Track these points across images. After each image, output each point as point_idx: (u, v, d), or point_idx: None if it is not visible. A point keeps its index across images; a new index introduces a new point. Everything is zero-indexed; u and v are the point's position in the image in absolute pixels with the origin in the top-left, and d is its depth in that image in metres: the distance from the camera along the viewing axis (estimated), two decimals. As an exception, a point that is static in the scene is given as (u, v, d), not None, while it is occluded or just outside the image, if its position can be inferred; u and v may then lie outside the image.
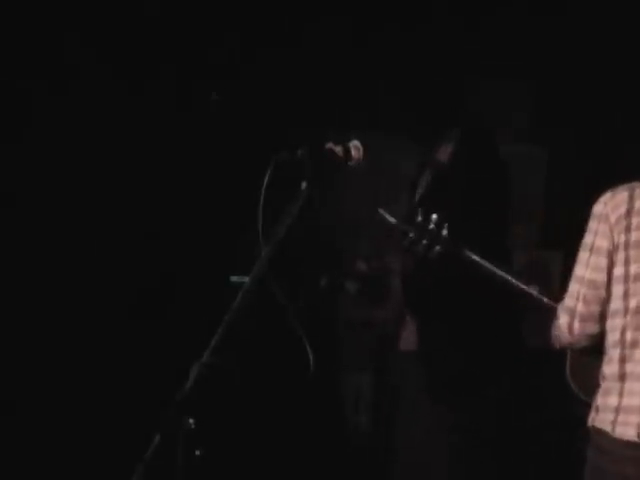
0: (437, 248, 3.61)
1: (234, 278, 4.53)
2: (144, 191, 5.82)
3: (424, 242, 3.60)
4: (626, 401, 3.14)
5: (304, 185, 3.22)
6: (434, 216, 3.62)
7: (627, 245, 3.17)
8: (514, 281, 3.61)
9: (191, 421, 3.06)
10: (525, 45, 5.80)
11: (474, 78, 6.03)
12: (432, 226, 3.62)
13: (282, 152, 3.22)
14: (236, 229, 4.82)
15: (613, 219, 3.20)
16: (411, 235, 3.62)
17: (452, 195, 4.26)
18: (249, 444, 5.48)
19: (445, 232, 3.60)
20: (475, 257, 3.63)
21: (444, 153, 4.45)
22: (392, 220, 3.66)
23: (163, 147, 5.84)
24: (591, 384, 3.30)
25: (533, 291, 3.59)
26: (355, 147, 3.38)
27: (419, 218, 3.62)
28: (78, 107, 5.77)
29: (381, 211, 3.67)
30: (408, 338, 4.47)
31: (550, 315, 3.43)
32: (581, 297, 3.26)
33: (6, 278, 5.63)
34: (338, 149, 3.34)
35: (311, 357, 4.24)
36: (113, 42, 5.79)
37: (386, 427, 5.51)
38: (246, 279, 3.28)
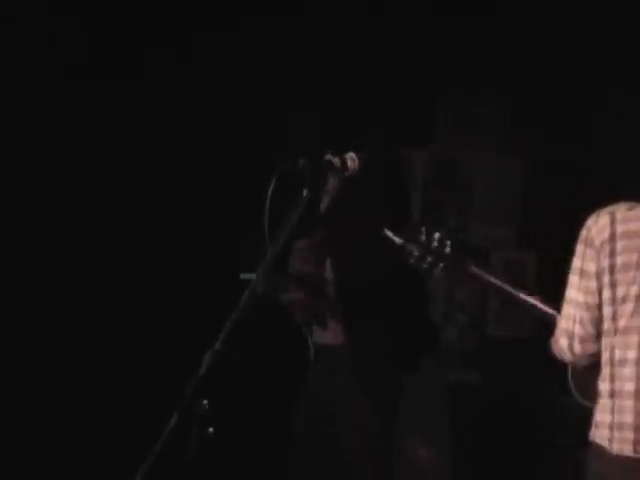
0: (441, 265, 3.50)
1: (243, 275, 4.48)
2: (151, 189, 5.62)
3: (428, 259, 3.50)
4: (618, 418, 3.05)
5: (305, 192, 3.19)
6: (437, 235, 3.51)
7: (612, 269, 3.07)
8: (515, 292, 3.52)
9: (205, 402, 3.06)
10: (502, 62, 5.69)
11: (455, 91, 5.95)
12: (435, 244, 3.51)
13: (285, 162, 3.22)
14: (242, 228, 4.73)
15: (598, 243, 3.10)
16: (416, 254, 3.51)
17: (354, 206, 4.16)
18: (254, 423, 5.41)
19: (448, 249, 3.49)
20: (477, 270, 3.53)
21: (352, 163, 4.42)
22: (397, 240, 3.57)
23: (173, 147, 5.67)
24: (592, 389, 3.21)
25: (536, 301, 3.49)
26: (351, 159, 3.39)
27: (423, 237, 3.51)
28: (82, 104, 5.54)
29: (387, 232, 3.59)
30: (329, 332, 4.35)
31: (551, 325, 3.34)
32: (578, 319, 3.17)
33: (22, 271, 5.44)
34: (336, 160, 3.34)
35: (312, 348, 4.24)
36: (113, 43, 5.57)
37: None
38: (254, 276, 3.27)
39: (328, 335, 4.31)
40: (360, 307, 4.21)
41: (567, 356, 3.21)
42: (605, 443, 3.06)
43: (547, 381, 5.20)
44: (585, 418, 3.31)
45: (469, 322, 6.09)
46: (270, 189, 3.13)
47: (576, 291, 3.16)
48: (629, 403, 3.02)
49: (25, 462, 5.27)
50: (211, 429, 3.06)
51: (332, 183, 4.09)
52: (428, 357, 4.57)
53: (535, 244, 5.92)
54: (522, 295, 3.50)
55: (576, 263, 3.15)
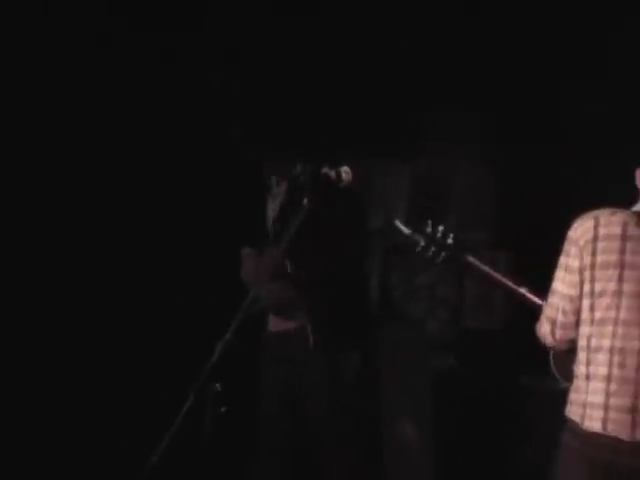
0: (443, 254, 3.67)
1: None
2: (152, 186, 5.49)
3: (432, 249, 3.67)
4: (590, 398, 3.15)
5: (305, 201, 3.39)
6: (441, 227, 3.68)
7: (593, 266, 3.17)
8: (505, 282, 3.68)
9: (217, 385, 3.24)
10: (481, 80, 5.73)
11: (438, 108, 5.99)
12: (439, 235, 3.68)
13: (290, 175, 3.35)
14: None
15: (582, 243, 3.21)
16: (422, 244, 3.68)
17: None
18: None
19: (450, 241, 3.66)
20: (473, 260, 3.70)
21: (298, 170, 4.48)
22: (406, 231, 3.73)
23: (175, 147, 5.52)
24: (570, 371, 3.32)
25: (523, 291, 3.64)
26: (345, 172, 3.56)
27: (429, 229, 3.68)
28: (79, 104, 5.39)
29: (397, 222, 3.75)
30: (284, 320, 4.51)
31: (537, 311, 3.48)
32: (560, 309, 3.28)
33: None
34: (332, 173, 3.51)
35: (311, 339, 4.35)
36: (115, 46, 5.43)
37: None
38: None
39: (283, 322, 4.49)
40: (315, 298, 4.37)
41: (549, 340, 3.36)
42: (578, 419, 3.19)
43: (517, 366, 5.46)
44: (553, 398, 3.51)
45: (449, 316, 6.15)
46: (280, 200, 3.24)
47: (561, 284, 3.29)
48: (600, 385, 3.13)
49: (42, 442, 5.25)
50: (223, 409, 3.24)
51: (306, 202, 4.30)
52: (413, 347, 4.68)
53: (507, 245, 5.92)
54: (511, 284, 3.67)
55: (562, 259, 3.29)
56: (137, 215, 5.48)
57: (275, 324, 4.55)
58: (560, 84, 5.63)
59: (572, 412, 3.22)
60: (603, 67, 5.48)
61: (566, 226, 3.33)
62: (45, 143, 5.35)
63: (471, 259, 3.68)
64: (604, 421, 3.10)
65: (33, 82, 5.31)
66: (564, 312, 3.27)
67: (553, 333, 3.32)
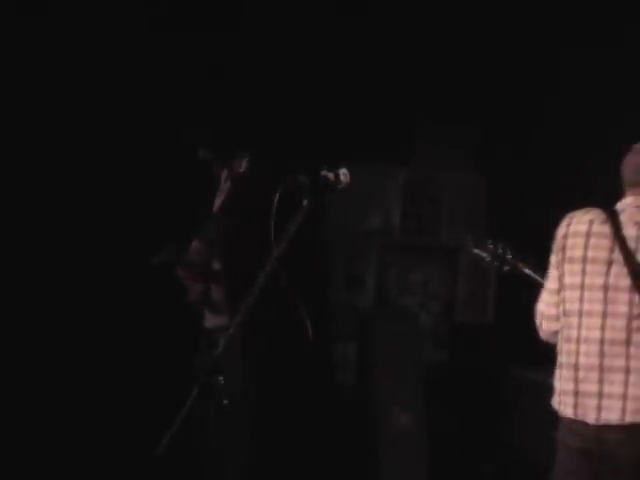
0: (505, 268, 4.05)
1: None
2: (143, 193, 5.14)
3: (495, 263, 4.06)
4: (563, 386, 3.11)
5: (305, 202, 3.21)
6: (501, 244, 4.04)
7: (564, 261, 3.15)
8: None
9: (220, 378, 3.06)
10: (469, 96, 5.73)
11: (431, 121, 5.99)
12: (500, 251, 4.05)
13: (289, 177, 3.25)
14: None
15: (558, 240, 3.18)
16: (488, 259, 4.07)
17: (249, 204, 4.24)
18: (263, 396, 5.38)
19: (509, 256, 4.03)
20: (529, 272, 3.97)
21: (239, 166, 4.41)
22: (473, 247, 4.11)
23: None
24: None
25: None
26: (343, 174, 3.35)
27: (491, 247, 4.05)
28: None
29: (469, 238, 4.15)
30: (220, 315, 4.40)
31: None
32: (544, 302, 3.25)
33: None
34: (330, 175, 3.29)
35: (310, 329, 4.28)
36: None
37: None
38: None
39: (219, 318, 4.37)
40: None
41: (540, 332, 3.29)
42: (556, 406, 3.14)
43: (505, 358, 5.42)
44: (541, 388, 3.40)
45: (441, 310, 6.13)
46: (275, 200, 3.15)
47: (547, 279, 3.25)
48: (571, 373, 3.07)
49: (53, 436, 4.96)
50: (226, 401, 3.12)
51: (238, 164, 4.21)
52: (407, 342, 4.60)
53: None
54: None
55: (551, 257, 3.24)
56: (74, 211, 5.09)
57: (208, 320, 4.44)
58: (545, 94, 5.64)
59: (554, 401, 3.17)
60: (584, 78, 5.42)
61: (553, 226, 3.26)
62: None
63: (527, 270, 3.98)
64: (575, 406, 3.06)
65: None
66: (547, 304, 3.24)
67: (540, 325, 3.27)
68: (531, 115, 5.72)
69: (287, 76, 5.40)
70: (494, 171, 5.97)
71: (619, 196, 3.19)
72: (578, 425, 3.05)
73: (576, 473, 3.05)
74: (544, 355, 3.51)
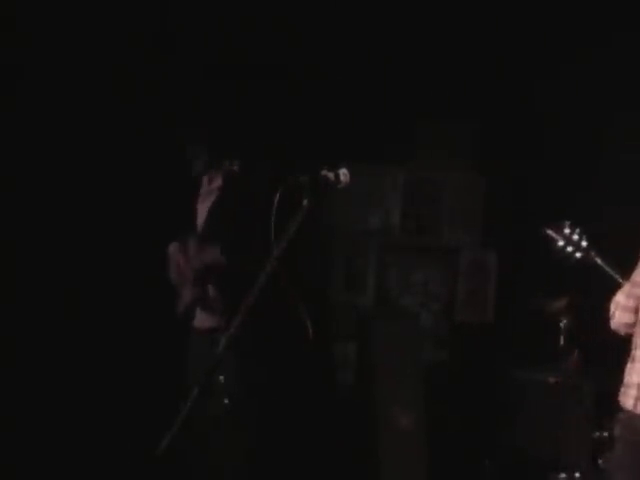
0: (578, 255, 3.65)
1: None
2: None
3: (568, 249, 3.65)
4: (628, 378, 3.13)
5: (305, 202, 3.20)
6: (577, 229, 3.67)
7: None
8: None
9: (221, 378, 3.14)
10: (469, 96, 5.73)
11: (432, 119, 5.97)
12: (576, 237, 3.66)
13: (289, 177, 3.24)
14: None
15: None
16: (560, 243, 3.66)
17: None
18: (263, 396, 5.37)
19: (585, 243, 3.65)
20: (602, 264, 3.63)
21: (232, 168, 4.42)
22: (549, 231, 3.69)
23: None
24: None
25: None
26: (343, 174, 3.34)
27: (567, 230, 3.67)
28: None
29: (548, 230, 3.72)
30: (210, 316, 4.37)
31: None
32: (625, 292, 3.25)
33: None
34: (330, 175, 3.30)
35: (310, 329, 4.27)
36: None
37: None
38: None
39: (214, 318, 4.33)
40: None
41: (610, 322, 3.27)
42: (620, 397, 3.16)
43: (505, 358, 5.38)
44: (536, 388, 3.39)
45: (442, 310, 6.11)
46: (276, 200, 3.14)
47: (636, 272, 3.22)
48: (638, 366, 3.12)
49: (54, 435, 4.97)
50: (226, 400, 3.14)
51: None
52: (407, 342, 4.59)
53: (495, 245, 5.98)
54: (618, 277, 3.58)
55: None
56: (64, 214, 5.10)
57: (200, 320, 4.39)
58: (545, 94, 5.62)
59: (620, 393, 3.17)
60: (585, 78, 5.42)
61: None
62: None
63: (600, 261, 3.64)
64: (636, 399, 3.08)
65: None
66: (627, 296, 3.23)
67: (613, 315, 3.27)
68: (531, 115, 5.73)
69: (287, 76, 5.41)
70: (494, 171, 5.96)
71: (619, 195, 3.19)
72: (637, 420, 3.06)
73: (632, 467, 3.04)
74: (544, 355, 3.51)
